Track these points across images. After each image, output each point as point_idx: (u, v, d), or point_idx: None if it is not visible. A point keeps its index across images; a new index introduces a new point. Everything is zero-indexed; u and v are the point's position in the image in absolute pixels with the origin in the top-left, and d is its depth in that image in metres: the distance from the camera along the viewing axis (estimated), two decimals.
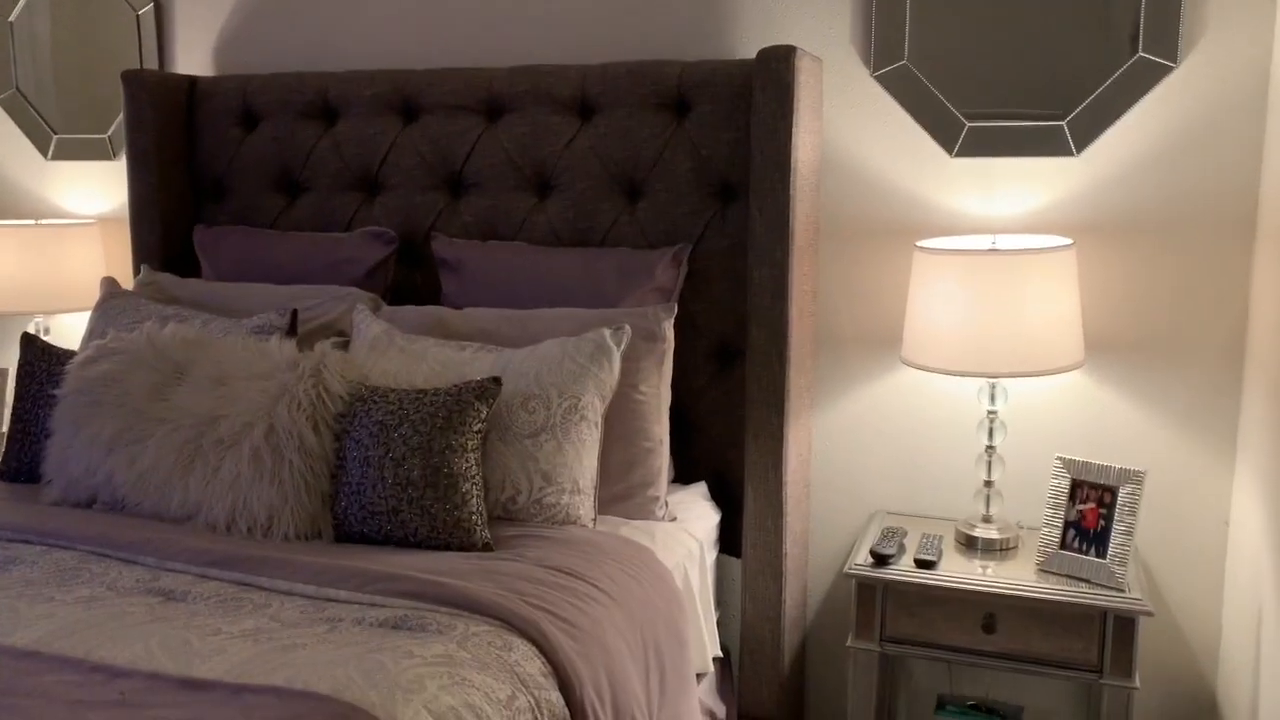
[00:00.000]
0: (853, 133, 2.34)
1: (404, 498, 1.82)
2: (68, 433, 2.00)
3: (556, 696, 1.50)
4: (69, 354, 2.17)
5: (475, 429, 1.87)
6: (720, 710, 2.20)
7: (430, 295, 2.53)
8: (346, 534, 1.87)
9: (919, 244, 2.13)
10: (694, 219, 2.34)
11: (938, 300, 2.08)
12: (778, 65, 2.12)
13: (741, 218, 2.29)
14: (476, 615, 1.58)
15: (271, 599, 1.63)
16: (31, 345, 2.21)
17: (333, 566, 1.69)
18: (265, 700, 1.28)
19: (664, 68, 2.34)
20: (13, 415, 2.18)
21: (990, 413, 2.16)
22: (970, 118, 2.26)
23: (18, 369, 2.19)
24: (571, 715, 1.51)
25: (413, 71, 2.55)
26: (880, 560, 2.11)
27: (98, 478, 1.95)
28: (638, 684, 1.68)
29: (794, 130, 2.12)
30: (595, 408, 2.00)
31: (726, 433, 2.34)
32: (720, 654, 2.19)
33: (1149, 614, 1.94)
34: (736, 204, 2.30)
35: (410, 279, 2.58)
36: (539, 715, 1.45)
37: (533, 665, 1.51)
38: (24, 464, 2.14)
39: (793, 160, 2.13)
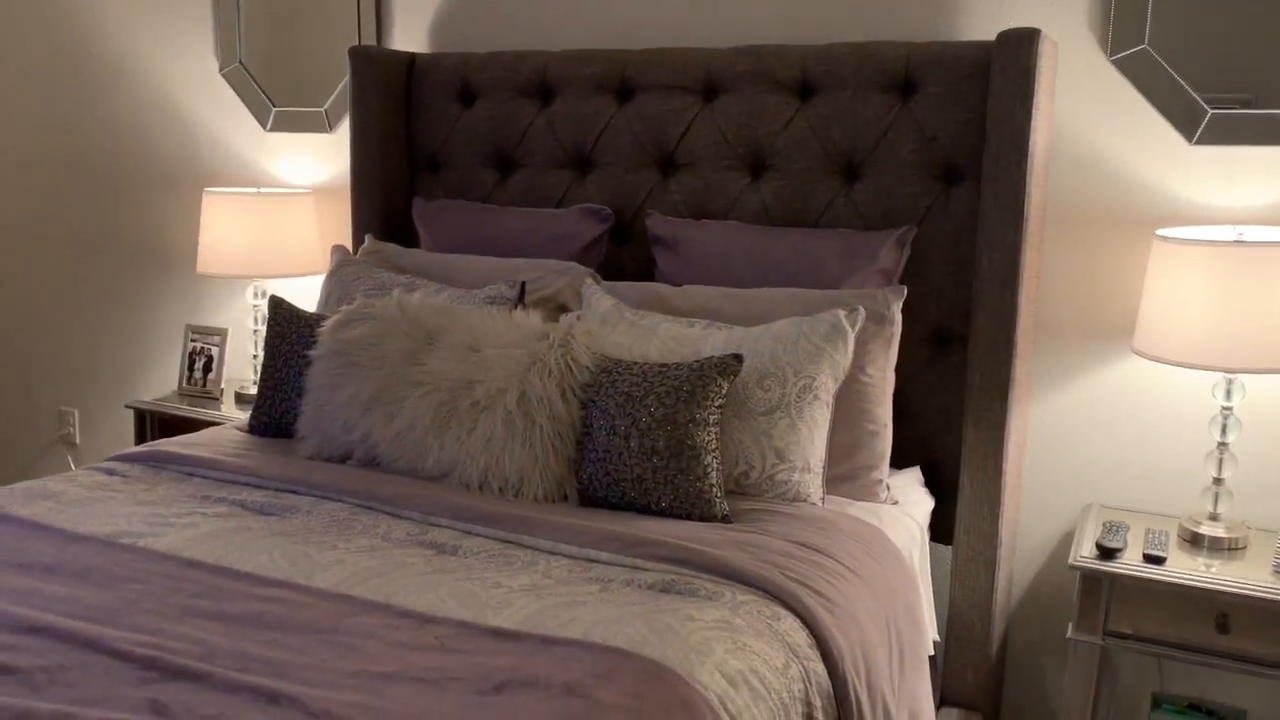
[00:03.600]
0: (1085, 117, 2.30)
1: (649, 467, 1.88)
2: (323, 392, 2.11)
3: (822, 668, 1.54)
4: (316, 317, 2.29)
5: (717, 404, 1.91)
6: None
7: (638, 272, 2.58)
8: (590, 499, 1.94)
9: (1159, 233, 2.08)
10: (915, 201, 2.33)
11: (1179, 291, 2.03)
12: (1019, 49, 2.10)
13: (967, 201, 2.27)
14: (738, 584, 1.62)
15: (538, 557, 1.71)
16: (280, 308, 2.33)
17: (592, 529, 1.76)
18: (575, 652, 1.34)
19: (890, 48, 2.33)
20: (262, 373, 2.31)
21: (1225, 408, 2.11)
22: (1213, 104, 2.20)
23: (269, 330, 2.32)
24: (834, 688, 1.54)
25: (631, 52, 2.59)
26: (1107, 553, 2.08)
27: (354, 435, 2.06)
28: (884, 662, 1.70)
29: (1032, 115, 2.09)
30: (829, 388, 2.03)
31: (939, 418, 2.33)
32: (938, 638, 2.19)
33: None
34: (962, 187, 2.28)
35: (617, 256, 2.64)
36: (809, 685, 1.49)
37: (799, 636, 1.54)
38: (274, 419, 2.27)
39: (1030, 145, 2.10)
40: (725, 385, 1.92)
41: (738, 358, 1.94)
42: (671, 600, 1.55)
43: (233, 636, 1.36)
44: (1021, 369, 2.25)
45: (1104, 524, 2.20)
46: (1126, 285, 2.27)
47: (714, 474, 1.90)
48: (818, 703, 1.50)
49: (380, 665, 1.30)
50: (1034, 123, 2.11)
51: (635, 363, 1.97)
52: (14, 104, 3.68)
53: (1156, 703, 2.25)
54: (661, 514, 1.89)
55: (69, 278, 3.69)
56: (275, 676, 1.26)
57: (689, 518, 1.88)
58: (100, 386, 3.67)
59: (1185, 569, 2.03)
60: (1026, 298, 2.21)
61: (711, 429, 1.90)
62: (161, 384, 3.48)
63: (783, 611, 1.57)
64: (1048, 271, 2.37)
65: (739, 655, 1.42)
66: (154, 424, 3.07)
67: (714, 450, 1.90)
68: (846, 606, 1.66)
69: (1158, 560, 2.05)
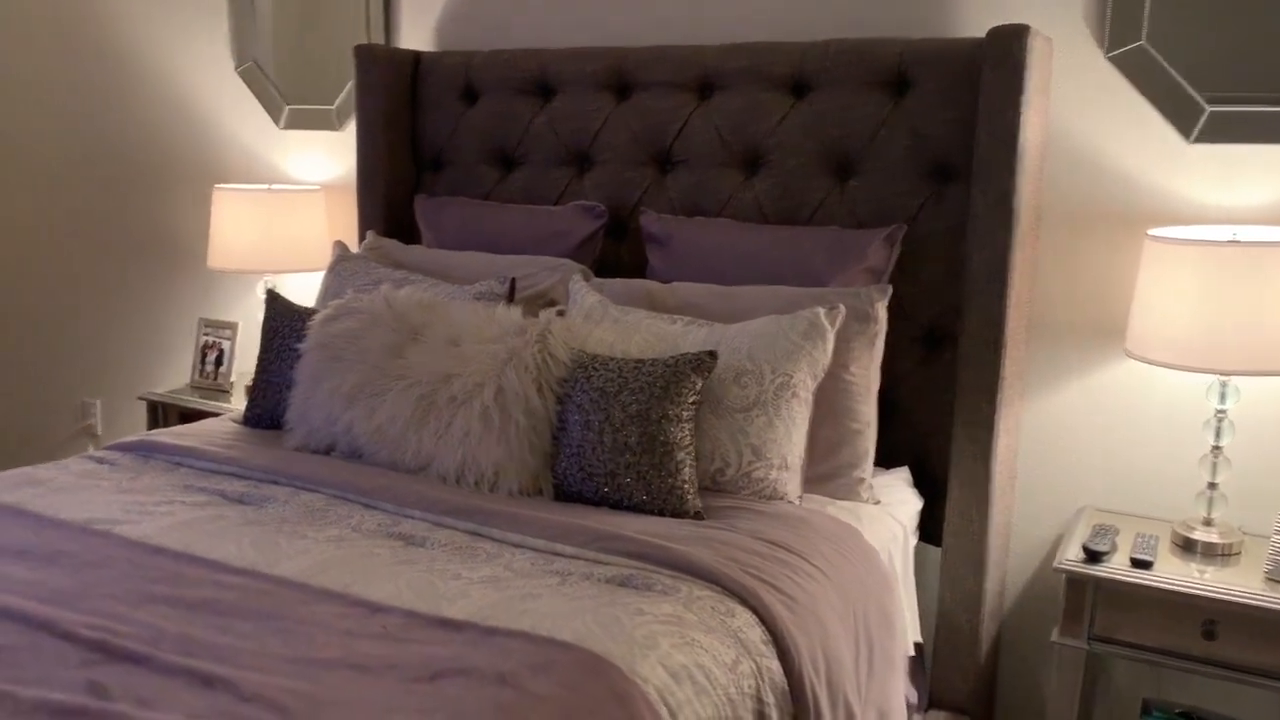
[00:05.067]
0: (1080, 115, 2.26)
1: (621, 462, 1.88)
2: (309, 384, 2.15)
3: (776, 665, 1.53)
4: (309, 311, 2.32)
5: (690, 400, 1.91)
6: (912, 696, 2.19)
7: (633, 268, 2.58)
8: (565, 493, 1.95)
9: (1151, 233, 2.05)
10: (907, 199, 2.31)
11: (1171, 292, 1.99)
12: (1010, 45, 2.07)
13: (960, 200, 2.24)
14: (698, 580, 1.62)
15: (503, 550, 1.72)
16: (276, 302, 2.37)
17: (558, 523, 1.77)
18: (517, 644, 1.35)
19: (884, 46, 2.31)
20: (257, 366, 2.35)
21: (1219, 412, 2.06)
22: (1212, 102, 2.15)
23: (264, 323, 2.36)
24: (790, 685, 1.54)
25: (630, 49, 2.60)
26: (1093, 557, 2.05)
27: (337, 427, 2.09)
28: (849, 661, 1.69)
29: (1023, 112, 2.07)
30: (807, 385, 2.02)
31: (930, 419, 2.31)
32: (919, 639, 2.17)
33: None
34: (955, 185, 2.26)
35: (614, 252, 2.64)
36: (761, 681, 1.49)
37: (754, 633, 1.54)
38: (266, 411, 2.31)
39: (1020, 142, 2.08)
40: (699, 381, 1.92)
41: (712, 354, 1.94)
42: (626, 594, 1.55)
43: (182, 622, 1.39)
44: (1012, 369, 2.22)
45: (1093, 527, 2.17)
46: (1122, 285, 2.23)
47: (687, 470, 1.90)
48: (770, 699, 1.49)
49: (323, 652, 1.32)
50: (1025, 120, 2.09)
51: (611, 358, 1.98)
52: (31, 102, 3.78)
53: (1146, 709, 2.21)
54: (634, 509, 1.90)
55: (87, 272, 3.78)
56: (216, 661, 1.28)
57: (662, 514, 1.88)
58: (120, 378, 3.75)
59: (1173, 574, 2.00)
60: (1018, 298, 2.18)
61: (685, 425, 1.90)
62: (177, 376, 3.55)
63: (738, 607, 1.57)
64: (1043, 270, 2.33)
65: (685, 650, 1.42)
66: (166, 416, 3.14)
67: (687, 446, 1.90)
68: (808, 604, 1.65)
69: (1145, 565, 2.01)
